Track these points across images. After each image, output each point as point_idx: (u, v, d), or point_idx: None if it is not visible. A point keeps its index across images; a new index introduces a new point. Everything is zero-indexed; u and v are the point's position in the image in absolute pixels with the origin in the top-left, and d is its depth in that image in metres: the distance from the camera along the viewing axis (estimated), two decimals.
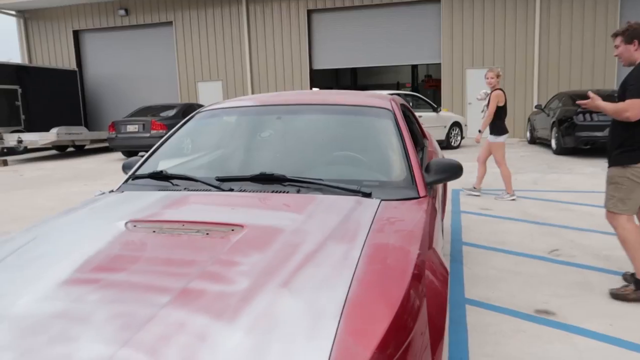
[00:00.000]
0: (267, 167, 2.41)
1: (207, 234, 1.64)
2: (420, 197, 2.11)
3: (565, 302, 3.05)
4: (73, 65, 18.57)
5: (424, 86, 26.50)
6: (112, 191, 2.38)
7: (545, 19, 14.07)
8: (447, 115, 11.55)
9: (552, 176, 7.49)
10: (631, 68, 3.00)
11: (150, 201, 2.01)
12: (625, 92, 2.92)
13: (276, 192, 2.08)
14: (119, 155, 13.14)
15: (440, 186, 3.55)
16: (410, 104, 11.68)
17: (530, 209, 5.46)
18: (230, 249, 1.51)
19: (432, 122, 10.97)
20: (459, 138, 11.77)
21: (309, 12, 16.15)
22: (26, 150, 14.99)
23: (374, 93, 3.21)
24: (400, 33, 15.51)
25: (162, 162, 2.68)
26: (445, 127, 11.32)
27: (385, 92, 10.12)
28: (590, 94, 2.97)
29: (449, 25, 14.81)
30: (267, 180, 2.17)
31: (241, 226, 1.67)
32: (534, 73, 14.32)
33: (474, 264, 3.77)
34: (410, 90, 29.42)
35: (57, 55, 18.89)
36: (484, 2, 14.48)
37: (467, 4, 14.62)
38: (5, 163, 11.78)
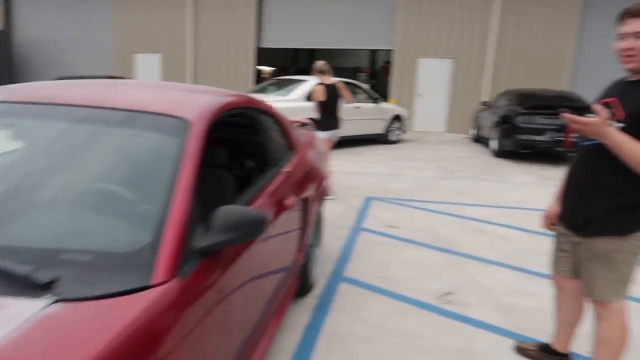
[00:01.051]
0: None
1: None
2: (152, 286, 1.28)
3: None
4: (1, 26, 16.81)
5: (382, 73, 25.79)
6: None
7: (506, 11, 13.43)
8: (387, 107, 10.80)
9: (482, 185, 6.85)
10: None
11: None
12: None
13: None
14: None
15: (298, 212, 2.75)
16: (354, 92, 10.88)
17: (442, 229, 4.76)
18: None
19: (370, 115, 10.21)
20: (399, 132, 11.05)
21: None
22: None
23: (201, 88, 2.36)
24: (355, 14, 14.60)
25: None
26: (384, 120, 10.58)
27: (311, 80, 9.25)
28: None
29: (405, 8, 13.99)
30: None
31: None
32: (485, 68, 13.73)
33: (342, 313, 3.00)
34: (368, 77, 28.76)
35: None
36: None
37: None
38: None
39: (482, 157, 9.36)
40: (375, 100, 10.37)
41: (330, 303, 3.13)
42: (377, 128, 10.49)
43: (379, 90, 14.40)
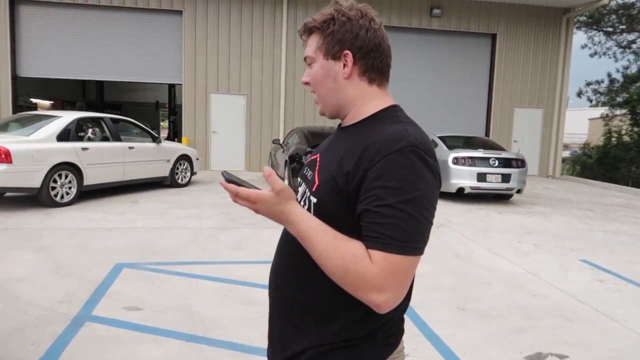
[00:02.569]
0: None
1: None
2: None
3: None
4: None
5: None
6: None
7: (291, 51, 13.54)
8: (171, 146, 9.62)
9: (265, 233, 6.14)
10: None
11: None
12: (358, 205, 1.01)
13: None
14: None
15: None
16: (127, 130, 9.44)
17: (202, 304, 3.77)
18: None
19: (150, 156, 8.90)
20: (188, 174, 9.95)
21: (13, 2, 12.51)
22: None
23: None
24: (138, 45, 13.17)
25: None
26: (169, 161, 9.37)
27: (72, 115, 7.67)
28: (268, 174, 1.02)
29: (192, 42, 13.12)
30: None
31: None
32: (280, 105, 13.63)
33: None
34: (167, 112, 27.10)
35: None
36: (229, 24, 13.25)
37: (211, 22, 13.17)
38: None
39: None
40: (155, 140, 9.10)
41: None
42: (160, 170, 9.21)
43: (181, 127, 13.13)
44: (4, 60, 12.43)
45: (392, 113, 1.14)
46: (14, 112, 12.59)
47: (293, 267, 1.15)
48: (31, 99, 18.94)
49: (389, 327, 1.14)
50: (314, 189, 1.10)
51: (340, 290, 1.05)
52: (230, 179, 1.02)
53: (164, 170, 9.28)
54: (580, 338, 3.45)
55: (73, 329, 3.22)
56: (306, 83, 1.19)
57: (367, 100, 1.15)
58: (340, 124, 1.24)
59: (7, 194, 7.84)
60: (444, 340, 3.31)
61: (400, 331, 1.20)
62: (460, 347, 3.21)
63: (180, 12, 13.08)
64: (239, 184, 1.01)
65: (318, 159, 1.19)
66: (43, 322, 3.31)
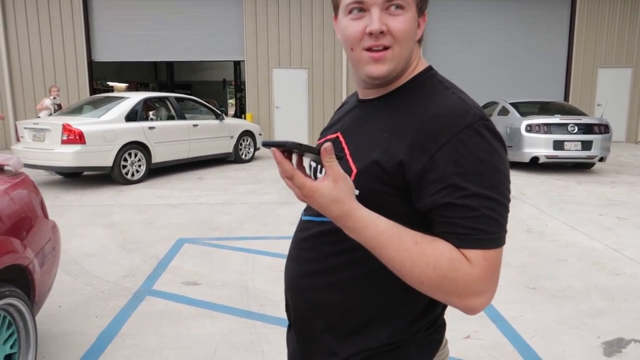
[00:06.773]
0: None
1: None
2: None
3: None
4: None
5: None
6: None
7: None
8: (234, 123, 9.75)
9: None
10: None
11: None
12: (439, 206, 0.82)
13: None
14: None
15: None
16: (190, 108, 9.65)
17: (257, 280, 3.77)
18: None
19: (214, 133, 9.07)
20: (252, 150, 10.07)
21: None
22: None
23: None
24: (202, 24, 13.38)
25: None
26: (232, 137, 9.52)
27: (138, 95, 7.92)
28: (328, 150, 0.75)
29: (252, 17, 13.12)
30: None
31: None
32: (342, 77, 13.38)
33: None
34: (234, 90, 27.65)
35: None
36: None
37: None
38: None
39: None
40: (218, 117, 9.25)
41: None
42: (224, 147, 9.38)
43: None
44: (80, 47, 13.11)
45: (432, 78, 0.95)
46: (91, 95, 13.32)
47: (324, 266, 0.97)
48: (108, 83, 20.00)
49: (432, 322, 0.99)
50: (351, 179, 0.89)
51: (385, 291, 0.92)
52: (285, 146, 0.78)
53: (227, 147, 9.44)
54: None
55: (134, 303, 3.33)
56: (382, 33, 0.86)
57: (415, 64, 0.97)
58: (357, 95, 1.05)
59: (85, 174, 8.33)
60: (510, 322, 3.07)
61: (444, 324, 1.05)
62: (528, 330, 2.96)
63: None
64: (299, 150, 0.79)
65: (342, 140, 1.00)
66: (107, 295, 3.45)
